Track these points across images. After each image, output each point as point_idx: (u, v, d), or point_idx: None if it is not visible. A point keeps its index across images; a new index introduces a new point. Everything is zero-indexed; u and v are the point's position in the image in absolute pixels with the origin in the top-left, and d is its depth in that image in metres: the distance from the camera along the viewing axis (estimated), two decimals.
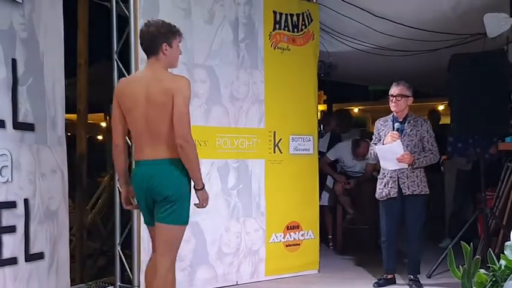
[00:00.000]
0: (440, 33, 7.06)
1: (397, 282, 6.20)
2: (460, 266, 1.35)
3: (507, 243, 1.39)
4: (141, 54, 5.77)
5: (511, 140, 6.25)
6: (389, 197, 6.05)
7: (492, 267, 1.35)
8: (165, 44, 4.21)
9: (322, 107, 10.73)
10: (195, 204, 4.32)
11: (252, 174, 6.60)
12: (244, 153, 6.54)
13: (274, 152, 6.78)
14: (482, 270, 1.35)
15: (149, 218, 4.29)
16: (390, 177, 6.04)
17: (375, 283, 6.15)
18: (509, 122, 6.35)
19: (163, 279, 4.12)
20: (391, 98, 6.12)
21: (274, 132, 6.77)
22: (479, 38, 6.91)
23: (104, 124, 12.63)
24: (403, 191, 6.00)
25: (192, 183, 4.25)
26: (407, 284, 6.12)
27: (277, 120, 6.78)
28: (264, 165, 6.69)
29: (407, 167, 5.95)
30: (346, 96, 7.40)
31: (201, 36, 6.24)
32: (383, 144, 6.04)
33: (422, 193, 6.05)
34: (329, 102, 11.42)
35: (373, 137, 6.29)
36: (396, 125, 6.06)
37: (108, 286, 6.02)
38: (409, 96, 6.11)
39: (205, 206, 4.36)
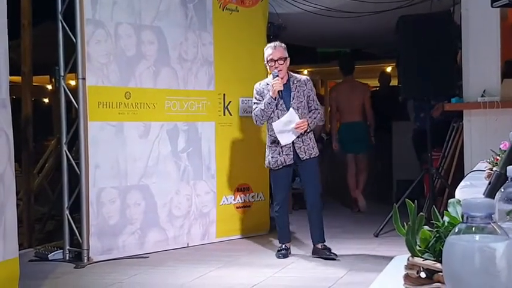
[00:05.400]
0: None
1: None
2: (405, 224, 1.37)
3: (450, 200, 1.41)
4: (87, 14, 5.70)
5: (457, 100, 6.35)
6: (285, 164, 5.80)
7: (436, 223, 1.37)
8: None
9: None
10: None
11: (202, 137, 6.59)
12: (194, 116, 6.52)
13: (224, 115, 6.78)
14: (426, 227, 1.37)
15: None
16: (286, 144, 5.75)
17: (280, 254, 5.87)
18: (455, 82, 6.45)
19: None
20: (271, 63, 5.72)
21: (224, 94, 6.75)
22: None
23: (49, 86, 12.37)
24: (301, 156, 5.76)
25: None
26: (318, 254, 5.83)
27: (227, 82, 6.76)
28: (213, 127, 6.68)
29: (302, 132, 5.71)
30: (295, 58, 7.37)
31: None
32: (271, 97, 5.66)
33: (317, 155, 5.90)
34: None
35: (254, 99, 5.86)
36: (274, 72, 5.67)
37: (57, 250, 5.97)
38: (287, 58, 5.81)
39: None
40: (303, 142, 5.77)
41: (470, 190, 2.58)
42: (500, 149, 2.87)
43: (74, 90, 5.91)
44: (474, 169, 3.23)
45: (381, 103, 9.28)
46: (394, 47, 7.24)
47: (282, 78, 5.72)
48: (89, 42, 5.74)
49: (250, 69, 6.98)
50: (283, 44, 5.84)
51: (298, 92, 5.79)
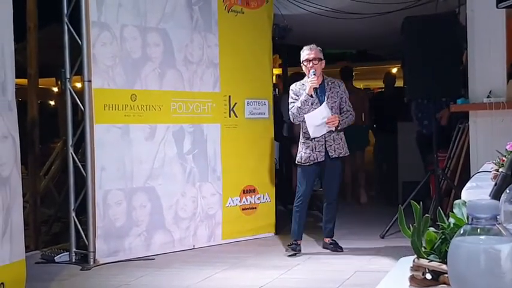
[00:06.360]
0: None
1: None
2: (411, 225, 1.37)
3: (456, 201, 1.41)
4: (92, 17, 5.72)
5: (462, 101, 6.34)
6: (316, 161, 6.01)
7: (441, 225, 1.37)
8: None
9: (277, 71, 10.72)
10: None
11: (208, 139, 6.59)
12: (200, 118, 6.52)
13: (230, 116, 6.78)
14: (431, 229, 1.37)
15: None
16: (317, 141, 5.99)
17: (290, 248, 6.06)
18: (461, 83, 6.44)
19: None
20: (306, 63, 6.01)
21: (229, 96, 6.75)
22: (431, 0, 6.96)
23: (55, 89, 12.40)
24: (330, 154, 5.99)
25: None
26: (327, 247, 6.16)
27: (232, 84, 6.76)
28: (219, 129, 6.68)
29: (334, 129, 5.97)
30: (300, 60, 7.51)
31: None
32: (307, 94, 5.93)
33: (346, 155, 6.14)
34: (284, 66, 11.42)
35: (291, 99, 6.10)
36: (312, 71, 5.95)
37: (64, 252, 5.98)
38: (322, 59, 6.09)
39: None
40: (334, 141, 6.01)
41: (476, 191, 2.57)
42: (506, 149, 2.87)
43: (80, 93, 5.92)
44: (480, 170, 3.23)
45: (386, 104, 9.27)
46: (400, 48, 7.23)
47: (317, 78, 5.97)
48: (94, 44, 5.75)
49: (256, 70, 6.99)
50: (319, 47, 6.12)
51: (332, 92, 6.07)
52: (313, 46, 6.08)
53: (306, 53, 6.05)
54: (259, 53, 7.06)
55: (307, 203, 6.15)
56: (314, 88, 5.97)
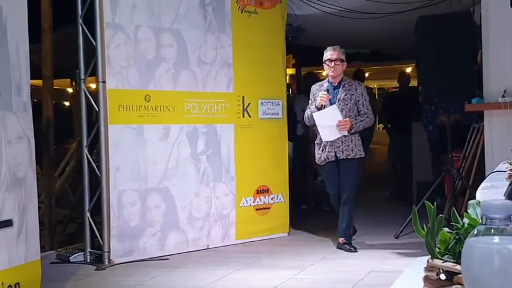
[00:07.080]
0: None
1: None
2: (425, 225, 1.37)
3: (470, 201, 1.41)
4: (107, 18, 5.75)
5: (477, 101, 6.31)
6: (328, 160, 6.12)
7: (455, 225, 1.37)
8: None
9: (290, 71, 10.72)
10: None
11: (221, 139, 6.60)
12: (213, 118, 6.53)
13: (243, 117, 6.78)
14: (446, 229, 1.37)
15: None
16: (327, 141, 6.09)
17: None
18: (476, 83, 6.41)
19: None
20: (328, 62, 6.11)
21: (243, 96, 6.76)
22: None
23: (70, 90, 12.46)
24: (338, 155, 6.07)
25: None
26: (340, 247, 6.17)
27: (246, 84, 6.76)
28: (233, 129, 6.69)
29: (346, 133, 6.00)
30: (314, 60, 7.46)
31: (168, 0, 6.17)
32: (316, 107, 6.06)
33: (356, 156, 6.12)
34: (298, 66, 11.42)
35: (309, 101, 6.29)
36: (326, 85, 6.12)
37: (78, 252, 6.01)
38: (344, 61, 6.16)
39: None
40: (342, 142, 6.07)
41: (491, 191, 2.56)
42: None
43: (95, 94, 5.95)
44: (495, 170, 3.21)
45: (400, 104, 9.24)
46: (413, 48, 7.20)
47: (335, 77, 6.12)
48: (109, 45, 5.77)
49: (269, 71, 6.99)
50: (342, 49, 6.21)
51: (346, 95, 6.10)
52: (336, 47, 6.16)
53: (328, 53, 6.13)
54: (273, 53, 7.06)
55: (337, 201, 6.20)
56: (328, 88, 6.09)
